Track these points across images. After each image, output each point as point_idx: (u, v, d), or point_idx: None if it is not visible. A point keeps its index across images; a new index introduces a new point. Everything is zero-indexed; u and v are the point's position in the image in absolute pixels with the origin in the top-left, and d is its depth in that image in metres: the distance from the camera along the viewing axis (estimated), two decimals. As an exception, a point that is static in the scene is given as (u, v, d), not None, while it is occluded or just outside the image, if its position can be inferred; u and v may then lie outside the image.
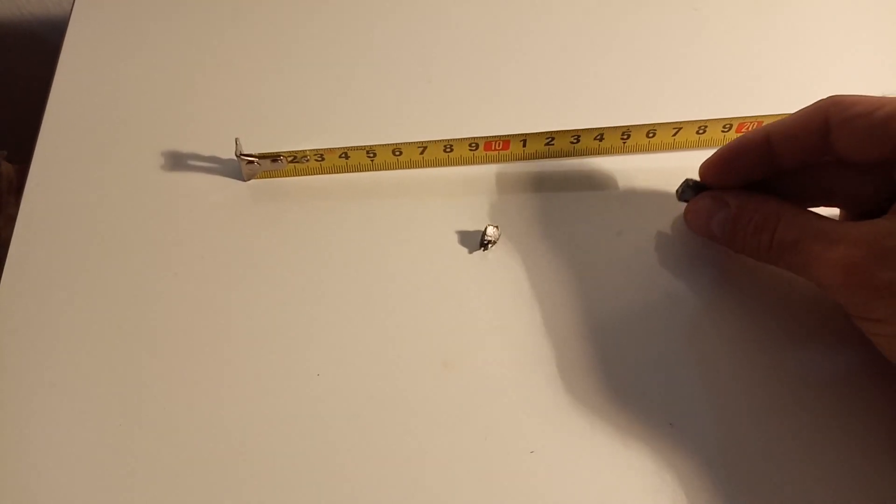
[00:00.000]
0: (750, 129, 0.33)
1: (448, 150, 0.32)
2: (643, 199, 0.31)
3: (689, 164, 0.30)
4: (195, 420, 0.27)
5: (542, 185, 0.33)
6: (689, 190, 0.30)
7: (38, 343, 0.29)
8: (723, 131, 0.33)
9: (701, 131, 0.33)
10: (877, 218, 0.24)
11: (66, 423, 0.27)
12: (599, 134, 0.32)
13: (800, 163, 0.27)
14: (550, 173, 0.33)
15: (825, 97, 0.26)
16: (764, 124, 0.28)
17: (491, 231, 0.30)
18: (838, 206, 0.29)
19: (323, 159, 0.32)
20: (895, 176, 0.25)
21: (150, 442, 0.27)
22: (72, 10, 0.39)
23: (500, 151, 0.33)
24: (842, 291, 0.24)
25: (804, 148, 0.26)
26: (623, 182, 0.33)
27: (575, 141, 0.33)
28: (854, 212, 0.29)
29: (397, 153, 0.32)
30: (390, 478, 0.26)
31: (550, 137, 0.32)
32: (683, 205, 0.31)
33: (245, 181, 0.33)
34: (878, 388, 0.27)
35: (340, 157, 0.32)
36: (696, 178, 0.30)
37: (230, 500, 0.26)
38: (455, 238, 0.31)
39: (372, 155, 0.32)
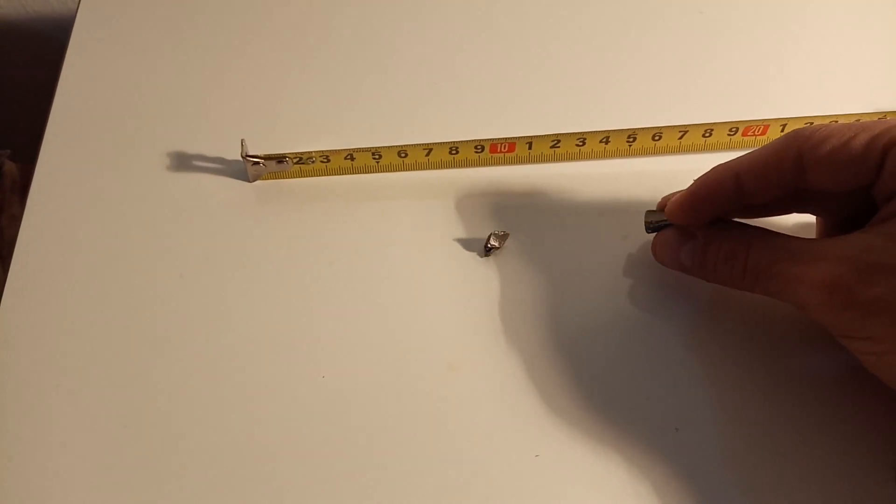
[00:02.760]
0: (756, 133, 0.33)
1: (453, 151, 0.32)
2: (648, 202, 0.31)
3: (694, 167, 0.30)
4: (200, 421, 0.27)
5: (547, 187, 0.33)
6: (652, 215, 0.29)
7: (43, 344, 0.29)
8: (729, 135, 0.33)
9: (707, 135, 0.33)
10: (854, 230, 0.24)
11: (70, 424, 0.27)
12: (605, 137, 0.32)
13: (770, 198, 0.26)
14: (556, 176, 0.33)
15: (791, 131, 0.25)
16: (730, 162, 0.26)
17: (493, 239, 0.30)
18: (814, 215, 0.29)
19: (328, 161, 0.32)
20: (874, 194, 0.24)
21: (156, 443, 0.27)
22: (77, 9, 0.39)
23: (506, 154, 0.33)
24: (825, 311, 0.23)
25: (776, 185, 0.25)
26: (628, 185, 0.33)
27: (580, 144, 0.33)
28: (831, 220, 0.28)
29: (403, 155, 0.32)
30: (395, 480, 0.26)
31: (556, 140, 0.32)
32: None
33: (250, 182, 0.33)
34: (884, 389, 0.27)
35: (346, 158, 0.32)
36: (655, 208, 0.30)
37: (236, 501, 0.26)
38: (460, 240, 0.31)
39: (377, 157, 0.32)
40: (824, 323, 0.24)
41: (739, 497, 0.26)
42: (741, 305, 0.29)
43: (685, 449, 0.26)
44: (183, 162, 0.33)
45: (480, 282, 0.30)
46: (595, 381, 0.28)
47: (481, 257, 0.31)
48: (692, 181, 0.28)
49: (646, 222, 0.29)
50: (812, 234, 0.30)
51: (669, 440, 0.27)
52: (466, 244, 0.31)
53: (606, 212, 0.32)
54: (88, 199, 0.32)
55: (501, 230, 0.31)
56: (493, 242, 0.30)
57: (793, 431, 0.27)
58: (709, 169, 0.27)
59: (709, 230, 0.27)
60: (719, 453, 0.26)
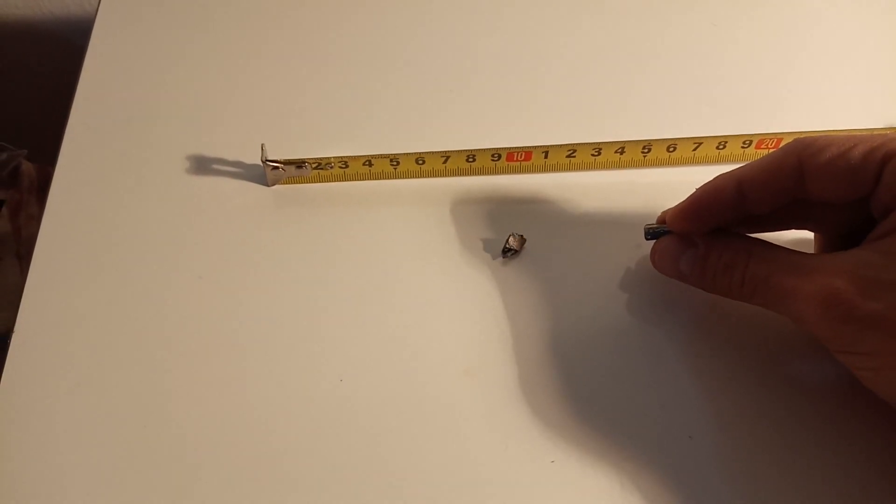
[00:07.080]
0: (769, 145, 0.33)
1: (470, 159, 0.33)
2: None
3: (708, 178, 0.30)
4: (219, 422, 0.27)
5: (562, 196, 0.33)
6: (651, 233, 0.29)
7: (62, 344, 0.29)
8: (742, 147, 0.33)
9: (721, 147, 0.33)
10: (852, 248, 0.24)
11: (89, 424, 0.27)
12: (620, 147, 0.33)
13: (771, 207, 0.26)
14: (571, 185, 0.33)
15: (793, 140, 0.25)
16: (733, 170, 0.27)
17: (513, 240, 0.31)
18: (812, 231, 0.29)
19: (347, 166, 0.33)
20: (872, 207, 0.25)
21: (174, 444, 0.27)
22: (97, 11, 0.39)
23: (522, 162, 0.33)
24: (821, 324, 0.23)
25: (777, 193, 0.26)
26: (643, 196, 0.33)
27: (596, 154, 0.33)
28: (829, 236, 0.28)
29: (420, 162, 0.33)
30: (410, 484, 0.26)
31: (572, 150, 0.33)
32: None
33: (269, 186, 0.33)
34: (880, 403, 0.27)
35: (364, 164, 0.33)
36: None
37: (254, 502, 0.26)
38: (477, 247, 0.32)
39: (395, 163, 0.33)
40: (820, 337, 0.24)
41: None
42: (760, 317, 0.29)
43: (699, 457, 0.27)
44: (202, 165, 0.34)
45: (496, 288, 0.31)
46: (610, 387, 0.28)
47: (498, 259, 0.31)
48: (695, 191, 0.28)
49: (645, 228, 0.30)
50: (810, 251, 0.30)
51: (683, 448, 0.27)
52: (482, 250, 0.32)
53: (620, 221, 0.32)
54: (108, 201, 0.33)
55: (519, 233, 0.31)
56: (511, 244, 0.31)
57: (793, 444, 0.27)
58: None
59: (709, 239, 0.27)
60: (731, 461, 0.27)
